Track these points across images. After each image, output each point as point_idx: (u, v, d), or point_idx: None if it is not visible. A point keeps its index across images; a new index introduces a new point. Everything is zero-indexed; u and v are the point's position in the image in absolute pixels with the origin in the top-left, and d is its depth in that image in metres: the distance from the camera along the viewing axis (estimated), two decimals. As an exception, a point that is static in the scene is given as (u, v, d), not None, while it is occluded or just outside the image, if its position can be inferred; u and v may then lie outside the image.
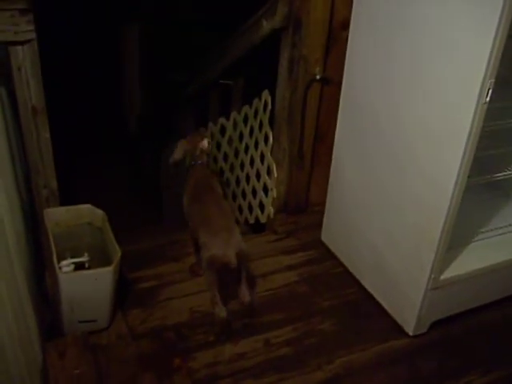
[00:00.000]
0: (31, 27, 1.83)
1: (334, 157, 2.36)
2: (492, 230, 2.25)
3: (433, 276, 1.95)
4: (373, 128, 2.09)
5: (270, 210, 2.68)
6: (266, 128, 2.63)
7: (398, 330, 2.11)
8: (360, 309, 2.22)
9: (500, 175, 2.15)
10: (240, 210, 3.01)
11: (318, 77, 2.36)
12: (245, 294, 2.08)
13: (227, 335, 2.02)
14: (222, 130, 3.08)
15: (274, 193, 2.63)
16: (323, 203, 2.50)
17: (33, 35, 1.85)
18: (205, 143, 2.31)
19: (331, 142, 2.35)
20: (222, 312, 2.01)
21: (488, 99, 1.63)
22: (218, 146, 3.17)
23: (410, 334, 2.08)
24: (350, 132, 2.24)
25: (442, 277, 1.99)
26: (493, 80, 1.61)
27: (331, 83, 2.39)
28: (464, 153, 1.70)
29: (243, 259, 1.99)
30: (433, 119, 1.80)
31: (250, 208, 2.88)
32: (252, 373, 1.91)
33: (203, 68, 3.23)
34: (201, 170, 2.29)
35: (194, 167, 2.30)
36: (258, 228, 2.78)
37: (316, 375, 1.92)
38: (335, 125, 2.31)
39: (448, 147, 1.76)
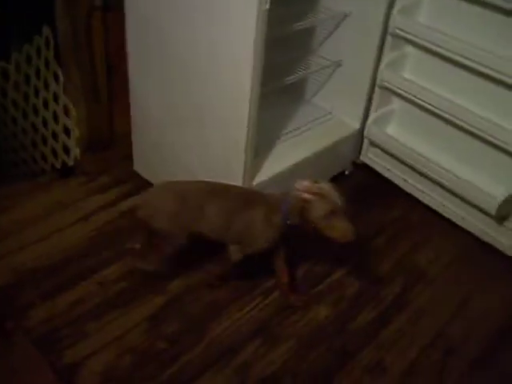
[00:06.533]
0: None
1: (130, 86, 2.30)
2: (291, 131, 2.42)
3: (246, 184, 2.06)
4: (165, 52, 2.06)
5: (75, 151, 2.57)
6: (54, 66, 2.46)
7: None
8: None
9: (291, 78, 2.30)
10: (44, 157, 2.85)
11: (97, 3, 2.24)
12: None
13: None
14: (5, 75, 2.83)
15: (76, 133, 2.52)
16: (130, 134, 2.46)
17: None
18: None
19: (126, 72, 2.29)
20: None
21: (268, 6, 1.68)
22: (4, 93, 2.91)
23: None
24: (142, 59, 2.19)
25: (254, 183, 2.11)
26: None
27: (115, 9, 2.29)
28: (254, 61, 1.76)
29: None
30: (219, 34, 1.82)
31: (55, 153, 2.74)
32: (92, 315, 1.89)
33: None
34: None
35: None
36: (66, 172, 2.66)
37: (158, 300, 1.96)
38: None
39: (237, 58, 1.81)
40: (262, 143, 2.20)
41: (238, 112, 1.90)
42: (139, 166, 2.52)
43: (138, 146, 2.47)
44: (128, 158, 2.53)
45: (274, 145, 2.32)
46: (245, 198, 1.84)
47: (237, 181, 2.04)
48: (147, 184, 2.46)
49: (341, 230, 1.68)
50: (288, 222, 1.76)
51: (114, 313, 1.91)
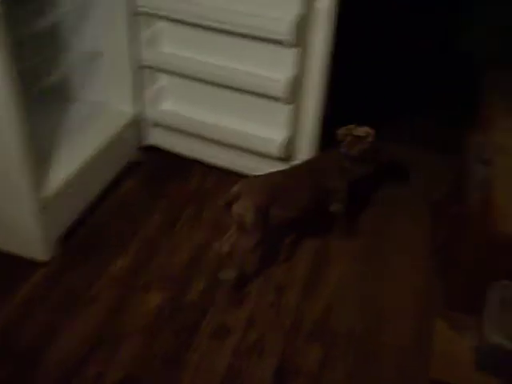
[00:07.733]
0: None
1: None
2: (69, 132, 2.33)
3: (36, 198, 1.94)
4: None
5: None
6: None
7: (30, 263, 2.07)
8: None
9: (52, 78, 2.20)
10: None
11: None
12: None
13: None
14: None
15: None
16: None
17: None
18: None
19: None
20: None
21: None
22: None
23: (46, 259, 2.08)
24: None
25: (45, 195, 2.00)
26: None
27: None
28: (2, 68, 1.65)
29: None
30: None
31: None
32: None
33: None
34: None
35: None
36: None
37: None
38: None
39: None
40: (41, 152, 2.08)
41: (5, 127, 1.77)
42: None
43: None
44: None
45: (56, 151, 2.21)
46: (315, 168, 2.14)
47: (27, 197, 1.91)
48: None
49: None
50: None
51: None
